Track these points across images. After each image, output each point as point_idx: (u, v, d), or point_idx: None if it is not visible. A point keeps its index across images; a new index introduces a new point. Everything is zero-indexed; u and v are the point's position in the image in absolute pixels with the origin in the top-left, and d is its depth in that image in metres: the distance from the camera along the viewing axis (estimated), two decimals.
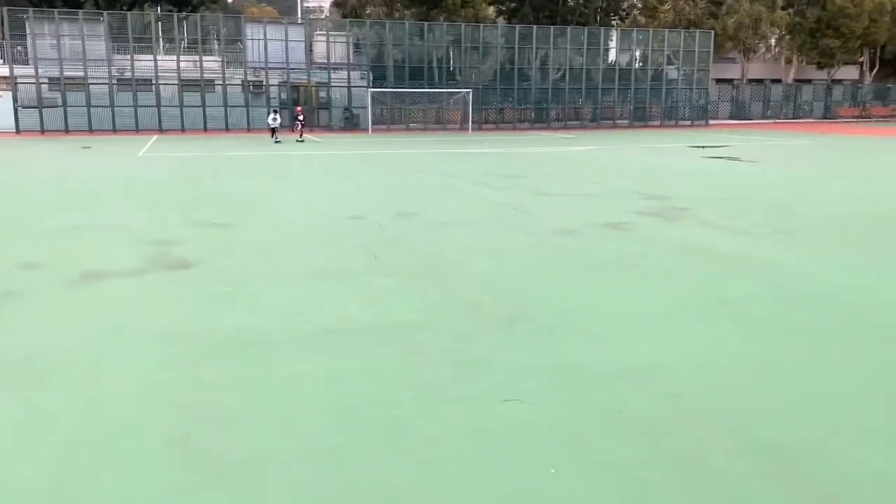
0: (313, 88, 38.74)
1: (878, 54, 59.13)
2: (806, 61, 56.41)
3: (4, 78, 34.82)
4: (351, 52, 39.34)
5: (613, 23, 52.07)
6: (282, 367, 4.46)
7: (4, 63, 35.42)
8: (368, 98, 37.38)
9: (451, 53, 41.22)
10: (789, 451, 3.41)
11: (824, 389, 4.19)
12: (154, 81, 35.88)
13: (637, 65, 44.41)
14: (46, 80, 34.63)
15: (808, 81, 57.90)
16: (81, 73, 34.79)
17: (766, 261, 7.41)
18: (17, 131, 33.94)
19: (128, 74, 35.59)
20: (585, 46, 41.90)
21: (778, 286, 6.48)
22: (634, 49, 44.43)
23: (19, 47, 35.10)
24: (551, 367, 4.48)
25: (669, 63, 44.24)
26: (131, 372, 4.40)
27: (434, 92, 39.73)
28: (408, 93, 39.37)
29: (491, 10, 51.60)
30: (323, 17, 49.55)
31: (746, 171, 17.22)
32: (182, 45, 36.87)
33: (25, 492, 3.07)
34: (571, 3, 49.17)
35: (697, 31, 45.01)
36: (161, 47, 36.90)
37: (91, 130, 34.86)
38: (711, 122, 46.58)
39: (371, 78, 39.06)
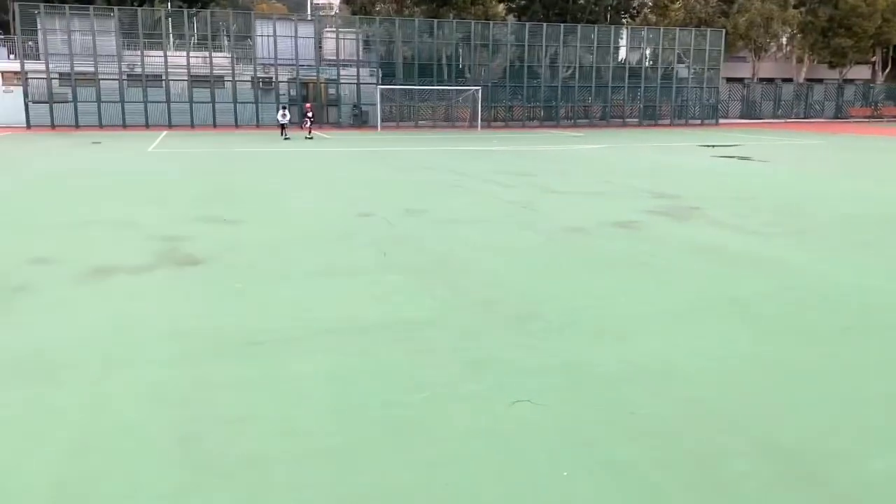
0: (322, 85, 38.75)
1: (891, 54, 58.66)
2: (817, 60, 56.01)
3: (15, 73, 34.97)
4: (360, 48, 39.31)
5: (624, 21, 51.82)
6: (290, 365, 4.45)
7: (15, 58, 35.58)
8: (377, 95, 37.35)
9: (461, 51, 41.15)
10: (805, 455, 3.37)
11: (839, 391, 4.14)
12: (164, 77, 35.95)
13: (647, 63, 44.23)
14: (57, 76, 34.75)
15: (820, 81, 57.51)
16: (92, 69, 34.89)
17: (778, 261, 7.35)
18: (28, 126, 34.08)
19: (138, 70, 35.67)
20: (595, 44, 41.75)
21: (789, 286, 6.42)
22: (645, 47, 44.24)
23: (30, 42, 35.24)
24: (561, 366, 4.45)
25: (680, 62, 44.03)
26: (138, 369, 4.39)
27: (443, 89, 39.68)
28: (417, 90, 39.33)
29: (501, 7, 51.44)
30: (333, 13, 49.54)
31: (757, 171, 17.11)
32: (192, 41, 36.93)
33: (30, 489, 3.06)
34: (582, 1, 48.91)
35: (708, 29, 44.77)
36: (171, 43, 36.96)
37: (101, 126, 34.97)
38: (722, 121, 46.34)
39: (380, 75, 39.03)
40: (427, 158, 20.05)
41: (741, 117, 51.61)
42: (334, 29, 39.54)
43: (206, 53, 36.48)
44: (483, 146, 25.33)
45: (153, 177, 15.15)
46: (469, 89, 39.28)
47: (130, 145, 24.22)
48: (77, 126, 34.65)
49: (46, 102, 34.58)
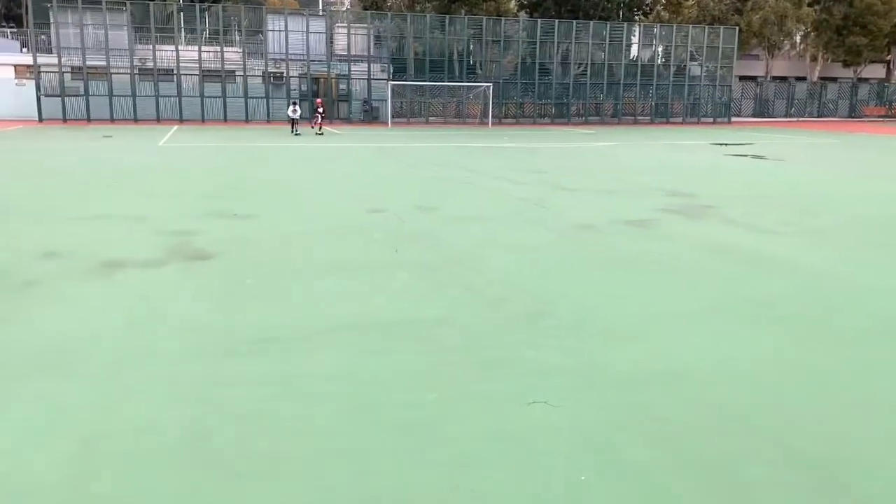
0: (333, 80, 38.73)
1: None
2: (832, 59, 55.54)
3: (28, 66, 35.13)
4: (371, 44, 39.27)
5: (636, 18, 51.54)
6: (302, 363, 4.40)
7: (28, 51, 35.72)
8: (388, 91, 37.31)
9: (472, 47, 41.05)
10: (826, 461, 3.29)
11: (861, 395, 4.04)
12: (175, 71, 36.04)
13: (659, 61, 43.98)
14: (69, 69, 34.89)
15: (834, 79, 57.05)
16: (104, 63, 35.01)
17: (794, 261, 7.25)
18: (40, 120, 34.23)
19: (149, 64, 35.77)
20: (608, 41, 41.56)
21: (807, 287, 6.33)
22: (657, 45, 43.99)
23: (43, 36, 35.38)
24: (575, 366, 4.38)
25: (692, 59, 43.76)
26: (149, 365, 4.35)
27: (454, 85, 39.60)
28: (428, 86, 39.27)
29: (513, 3, 51.24)
30: (344, 8, 49.49)
31: (771, 170, 16.96)
32: (204, 36, 36.99)
33: (40, 486, 3.02)
34: None
35: (721, 27, 44.47)
36: (183, 37, 37.03)
37: (112, 120, 35.09)
38: (734, 119, 46.06)
39: (391, 70, 38.99)
40: (438, 155, 19.98)
41: (754, 116, 51.28)
42: (346, 24, 39.51)
43: (218, 48, 36.53)
44: (494, 143, 25.24)
45: (164, 171, 15.16)
46: (480, 86, 39.19)
47: (142, 139, 24.27)
48: (88, 120, 34.78)
49: (58, 96, 34.73)
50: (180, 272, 6.61)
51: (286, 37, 37.00)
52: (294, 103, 29.42)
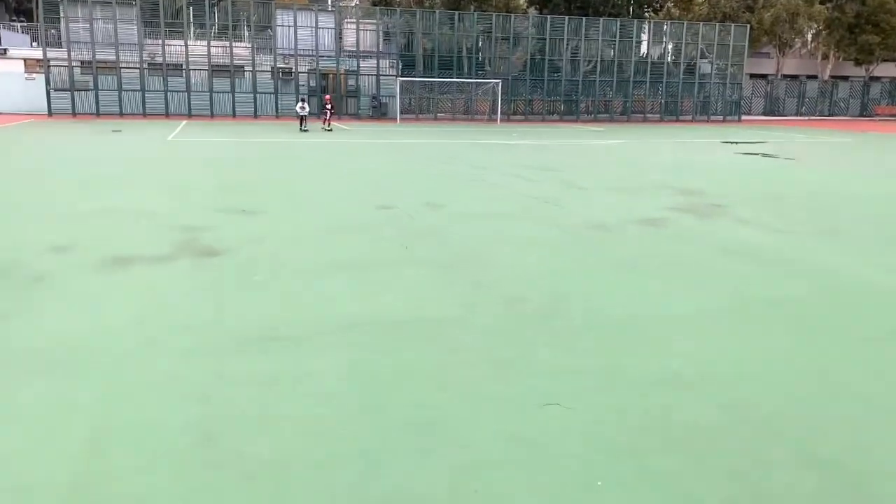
0: (342, 76, 38.67)
1: None
2: (843, 57, 55.10)
3: (38, 60, 35.20)
4: (380, 40, 39.18)
5: (647, 15, 51.26)
6: (311, 362, 4.33)
7: (38, 46, 35.79)
8: (397, 87, 37.23)
9: (481, 43, 40.91)
10: (850, 467, 3.20)
11: (885, 399, 3.94)
12: (184, 66, 36.04)
13: (669, 58, 43.72)
14: (79, 64, 34.95)
15: (845, 78, 56.59)
16: (113, 57, 35.05)
17: (811, 261, 7.14)
18: (50, 114, 34.31)
19: (159, 59, 35.79)
20: (617, 38, 41.35)
21: (825, 287, 6.22)
22: (667, 42, 43.73)
23: (53, 30, 35.43)
24: (589, 368, 4.30)
25: (703, 57, 43.49)
26: (157, 362, 4.29)
27: (463, 82, 39.47)
28: (437, 82, 39.16)
29: (522, 0, 51.09)
30: (353, 4, 49.41)
31: (783, 168, 16.80)
32: (213, 31, 36.98)
33: (47, 485, 2.97)
34: None
35: (732, 24, 44.17)
36: (192, 32, 37.03)
37: (121, 114, 35.13)
38: (744, 117, 45.79)
39: (400, 66, 38.89)
40: (446, 151, 19.90)
41: (764, 114, 50.96)
42: (355, 20, 39.44)
43: (227, 43, 36.51)
44: (503, 139, 25.13)
45: (173, 166, 15.12)
46: (489, 82, 39.05)
47: (150, 134, 24.27)
48: (98, 114, 34.84)
49: (68, 90, 34.80)
50: (189, 268, 6.55)
51: (295, 32, 36.97)
52: (303, 100, 29.37)
